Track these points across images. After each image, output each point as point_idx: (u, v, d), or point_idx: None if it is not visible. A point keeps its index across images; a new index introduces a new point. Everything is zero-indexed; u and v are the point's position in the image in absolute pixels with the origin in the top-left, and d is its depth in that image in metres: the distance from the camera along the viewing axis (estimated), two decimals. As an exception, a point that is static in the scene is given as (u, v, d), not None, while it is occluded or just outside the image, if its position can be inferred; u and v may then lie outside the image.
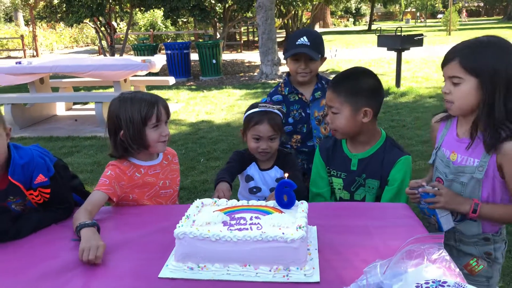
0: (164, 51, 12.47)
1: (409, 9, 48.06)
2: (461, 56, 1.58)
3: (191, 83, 11.54)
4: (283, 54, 2.44)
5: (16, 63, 7.45)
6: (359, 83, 1.92)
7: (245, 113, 2.15)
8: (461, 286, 1.06)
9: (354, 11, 40.86)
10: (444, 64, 1.66)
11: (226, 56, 16.68)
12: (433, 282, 1.07)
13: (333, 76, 2.50)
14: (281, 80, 2.55)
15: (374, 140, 1.99)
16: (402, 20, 42.04)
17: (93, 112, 7.21)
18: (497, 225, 1.72)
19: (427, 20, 39.98)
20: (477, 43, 1.60)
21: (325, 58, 2.44)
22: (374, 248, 1.45)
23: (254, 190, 2.16)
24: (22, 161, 1.67)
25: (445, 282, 1.07)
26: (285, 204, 1.48)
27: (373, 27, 29.02)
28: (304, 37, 2.31)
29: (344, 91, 1.89)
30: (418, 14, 44.32)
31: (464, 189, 1.68)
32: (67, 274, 1.37)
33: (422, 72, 10.98)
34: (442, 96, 1.68)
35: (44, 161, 1.74)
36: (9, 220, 1.65)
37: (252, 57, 16.49)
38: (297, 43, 2.31)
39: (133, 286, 1.29)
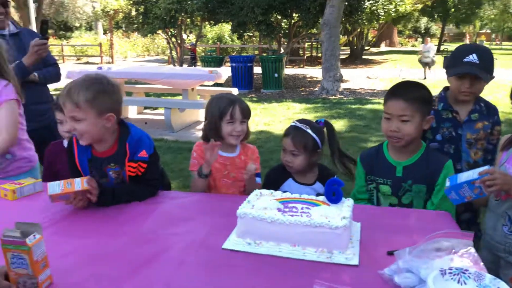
0: (229, 64, 13.04)
1: (484, 31, 45.99)
2: None
3: (253, 95, 11.94)
4: (446, 69, 2.27)
5: (97, 68, 8.26)
6: (426, 93, 2.07)
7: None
8: (482, 275, 1.21)
9: (423, 31, 39.65)
10: None
11: (289, 70, 16.96)
12: (456, 269, 1.23)
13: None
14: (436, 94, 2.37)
15: (417, 148, 2.12)
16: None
17: (162, 117, 7.78)
18: None
19: (503, 43, 38.01)
20: None
21: (493, 77, 2.23)
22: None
23: None
24: (137, 136, 2.03)
25: (467, 270, 1.22)
26: (333, 199, 1.68)
27: (442, 47, 28.07)
28: (474, 55, 2.13)
29: (417, 99, 2.00)
30: (493, 36, 42.30)
31: None
32: (137, 245, 1.66)
33: (492, 96, 10.56)
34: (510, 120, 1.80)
35: (149, 141, 2.08)
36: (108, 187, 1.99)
37: (314, 72, 16.66)
38: (464, 60, 2.15)
39: (201, 254, 1.55)
